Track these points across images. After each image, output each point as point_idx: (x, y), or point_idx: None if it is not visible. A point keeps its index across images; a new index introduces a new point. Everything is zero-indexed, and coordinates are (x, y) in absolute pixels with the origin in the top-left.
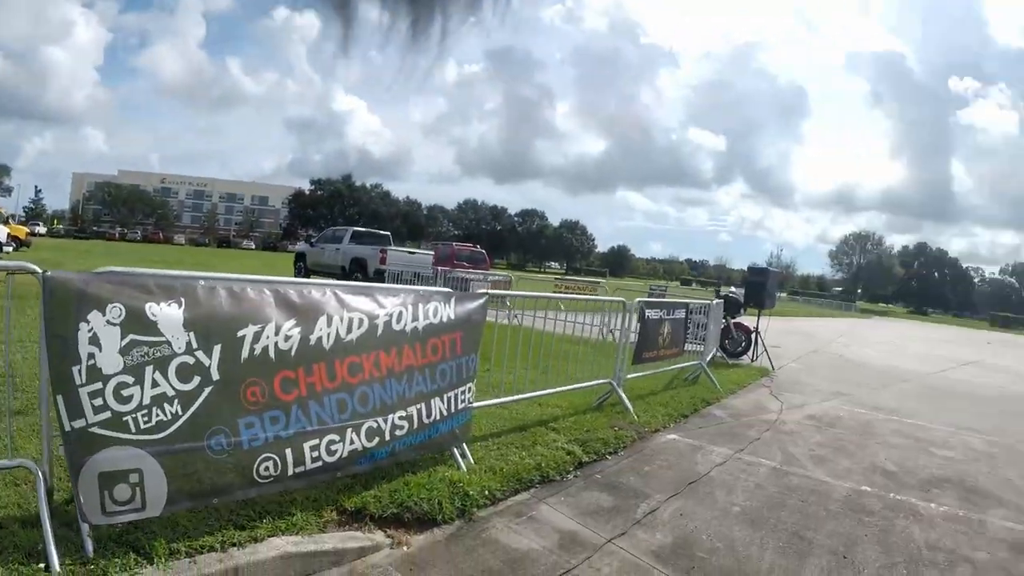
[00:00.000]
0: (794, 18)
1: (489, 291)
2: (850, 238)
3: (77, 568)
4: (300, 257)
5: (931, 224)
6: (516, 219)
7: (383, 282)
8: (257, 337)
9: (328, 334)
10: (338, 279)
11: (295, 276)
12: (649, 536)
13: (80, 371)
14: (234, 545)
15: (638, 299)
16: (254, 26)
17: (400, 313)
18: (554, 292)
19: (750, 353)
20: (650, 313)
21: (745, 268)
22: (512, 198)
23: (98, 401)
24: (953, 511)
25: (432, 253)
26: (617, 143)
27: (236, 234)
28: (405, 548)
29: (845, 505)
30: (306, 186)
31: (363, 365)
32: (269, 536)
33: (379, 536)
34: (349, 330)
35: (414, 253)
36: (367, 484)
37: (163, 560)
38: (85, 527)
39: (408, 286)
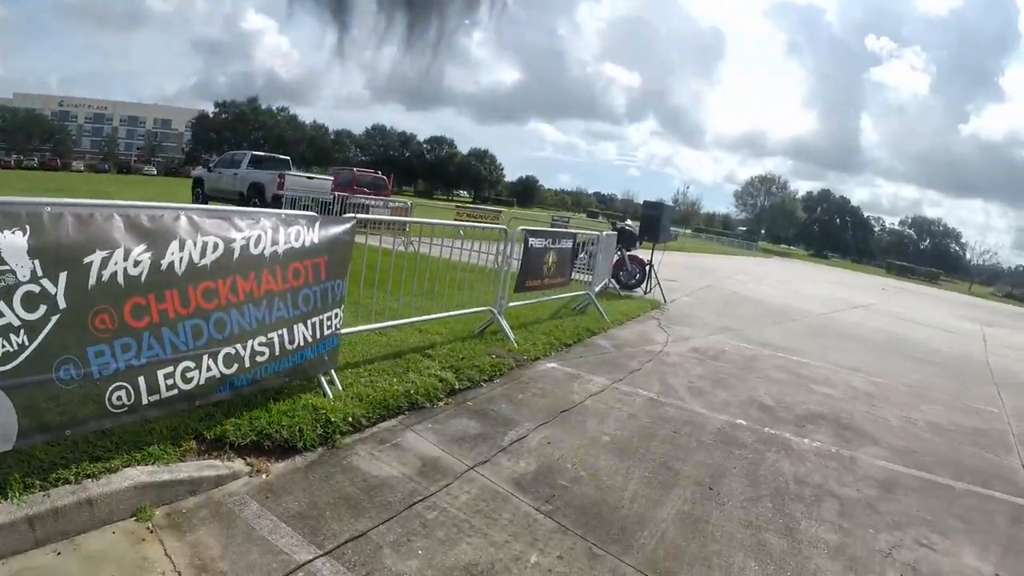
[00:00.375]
0: None
1: (359, 215)
2: (756, 180)
3: None
4: (198, 183)
5: (836, 173)
6: (425, 146)
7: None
8: (105, 263)
9: (180, 259)
10: (236, 205)
11: (193, 202)
12: (512, 464)
13: None
14: (88, 477)
15: (522, 227)
16: None
17: (259, 237)
18: (455, 220)
19: (644, 286)
20: (534, 242)
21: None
22: (423, 126)
23: None
24: (826, 447)
25: (332, 179)
26: (531, 74)
27: (138, 159)
28: (264, 476)
29: (717, 437)
30: (211, 109)
31: (219, 290)
32: (124, 467)
33: (238, 464)
34: (203, 255)
35: (313, 178)
36: (229, 412)
37: (17, 494)
38: None
39: (269, 209)
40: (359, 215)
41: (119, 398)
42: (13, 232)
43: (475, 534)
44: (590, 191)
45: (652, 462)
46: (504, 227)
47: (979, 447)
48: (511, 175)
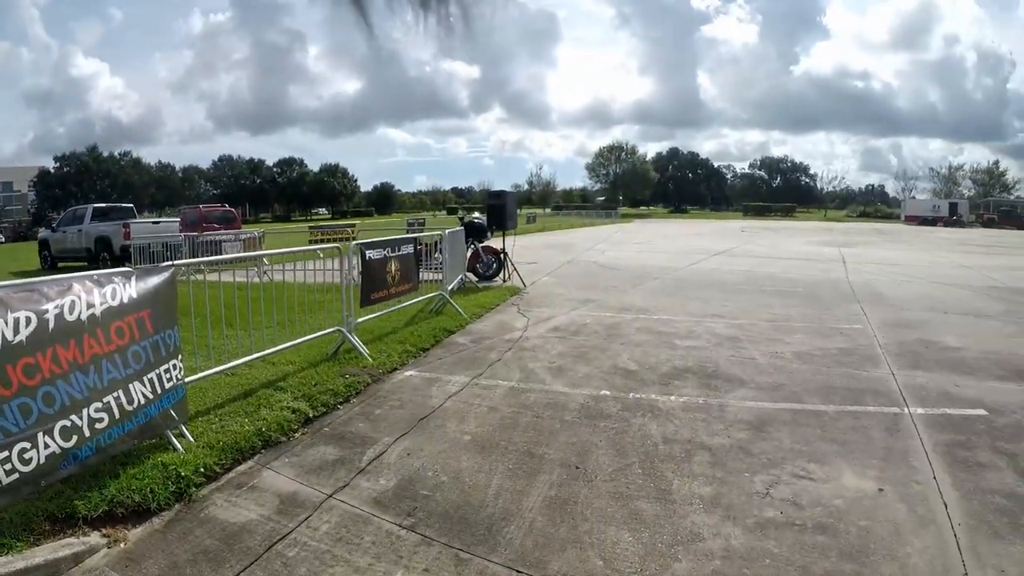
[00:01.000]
0: None
1: (178, 262)
2: (604, 150)
3: None
4: (44, 245)
5: (683, 131)
6: (275, 170)
7: (130, 260)
8: None
9: None
10: (85, 262)
11: (41, 266)
12: (372, 484)
13: None
14: None
15: (355, 242)
16: None
17: (72, 303)
18: (309, 241)
19: (502, 274)
20: (371, 254)
21: (508, 188)
22: (271, 149)
23: None
24: (693, 400)
25: (179, 220)
26: (371, 81)
27: None
28: (122, 544)
29: (581, 414)
30: (51, 164)
31: (40, 364)
32: None
33: (94, 537)
34: (16, 331)
35: (159, 223)
36: (76, 486)
37: None
38: None
39: (78, 273)
40: (176, 261)
41: None
42: None
43: (338, 563)
44: (447, 187)
45: (515, 453)
46: (338, 246)
47: (847, 366)
48: (366, 184)
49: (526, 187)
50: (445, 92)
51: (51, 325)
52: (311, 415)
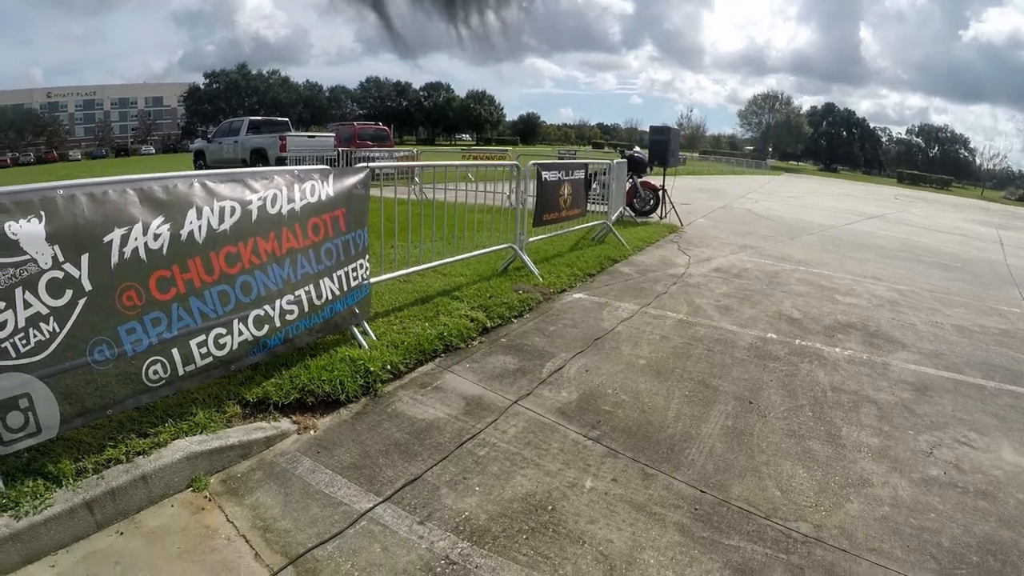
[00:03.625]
0: None
1: (372, 164)
2: (759, 98)
3: None
4: (199, 155)
5: (839, 86)
6: (422, 94)
7: None
8: (125, 240)
9: (199, 227)
10: None
11: None
12: (554, 394)
13: None
14: (139, 454)
15: (533, 162)
16: None
17: (274, 196)
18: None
19: (659, 211)
20: (547, 175)
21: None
22: (417, 73)
23: None
24: (858, 355)
25: (333, 135)
26: (522, 7)
27: (134, 140)
28: (312, 432)
29: (751, 352)
30: (200, 81)
31: (241, 254)
32: (173, 439)
33: (285, 423)
34: (221, 220)
35: (315, 137)
36: (267, 373)
37: (71, 480)
38: None
39: (281, 167)
40: (371, 164)
41: (155, 372)
42: (29, 220)
43: (528, 466)
44: (592, 123)
45: (690, 381)
46: (516, 163)
47: (1006, 347)
48: (512, 114)
49: (675, 127)
50: (597, 25)
51: (253, 217)
52: (488, 325)
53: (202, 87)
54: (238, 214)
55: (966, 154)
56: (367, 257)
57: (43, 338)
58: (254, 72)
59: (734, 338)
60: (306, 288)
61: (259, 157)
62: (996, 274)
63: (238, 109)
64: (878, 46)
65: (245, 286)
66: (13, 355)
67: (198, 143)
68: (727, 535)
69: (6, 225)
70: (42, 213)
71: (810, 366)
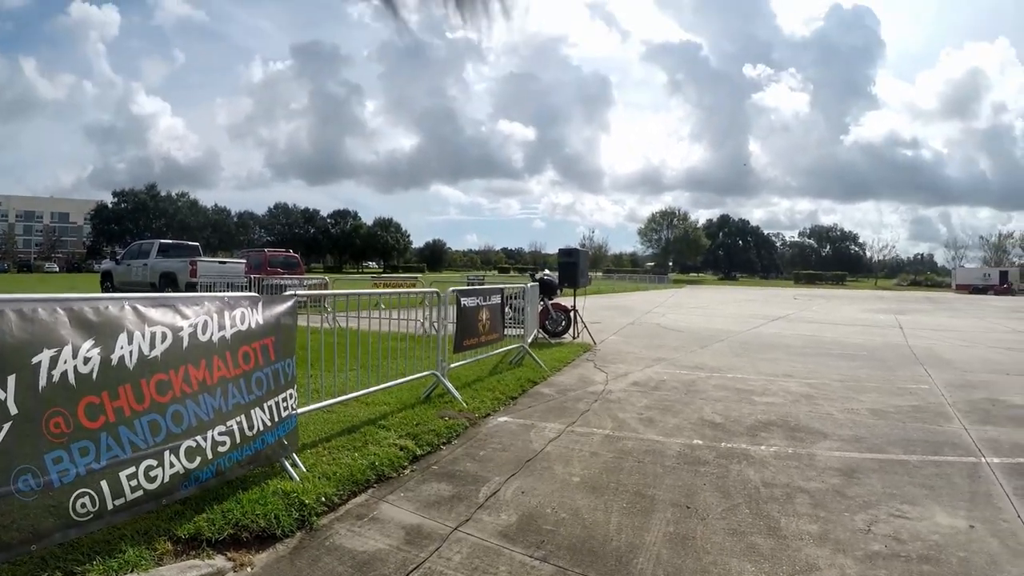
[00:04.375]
0: (591, 12)
1: (299, 292)
2: (657, 215)
3: None
4: (107, 276)
5: (733, 198)
6: (329, 221)
7: None
8: (54, 362)
9: (130, 352)
10: None
11: None
12: (494, 518)
13: None
14: None
15: (451, 288)
16: (50, 23)
17: (205, 323)
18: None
19: (571, 331)
20: (466, 301)
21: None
22: (325, 200)
23: None
24: (783, 450)
25: (244, 261)
26: (428, 138)
27: (38, 256)
28: (249, 569)
29: (680, 460)
30: (109, 199)
31: (172, 382)
32: None
33: (219, 561)
34: (152, 346)
35: (225, 263)
36: (198, 507)
37: None
38: None
39: (211, 293)
40: (298, 292)
41: (83, 505)
42: None
43: None
44: (497, 247)
45: (626, 493)
46: (437, 291)
47: (921, 422)
48: (418, 240)
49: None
50: (500, 152)
51: (185, 343)
52: (418, 453)
53: (110, 205)
54: (169, 340)
55: (856, 249)
56: (295, 387)
57: None
58: (163, 193)
59: (662, 448)
60: (237, 418)
61: (168, 282)
62: (900, 356)
63: (145, 231)
64: (767, 157)
65: (176, 415)
66: None
67: (106, 264)
68: None
69: None
70: None
71: (739, 466)
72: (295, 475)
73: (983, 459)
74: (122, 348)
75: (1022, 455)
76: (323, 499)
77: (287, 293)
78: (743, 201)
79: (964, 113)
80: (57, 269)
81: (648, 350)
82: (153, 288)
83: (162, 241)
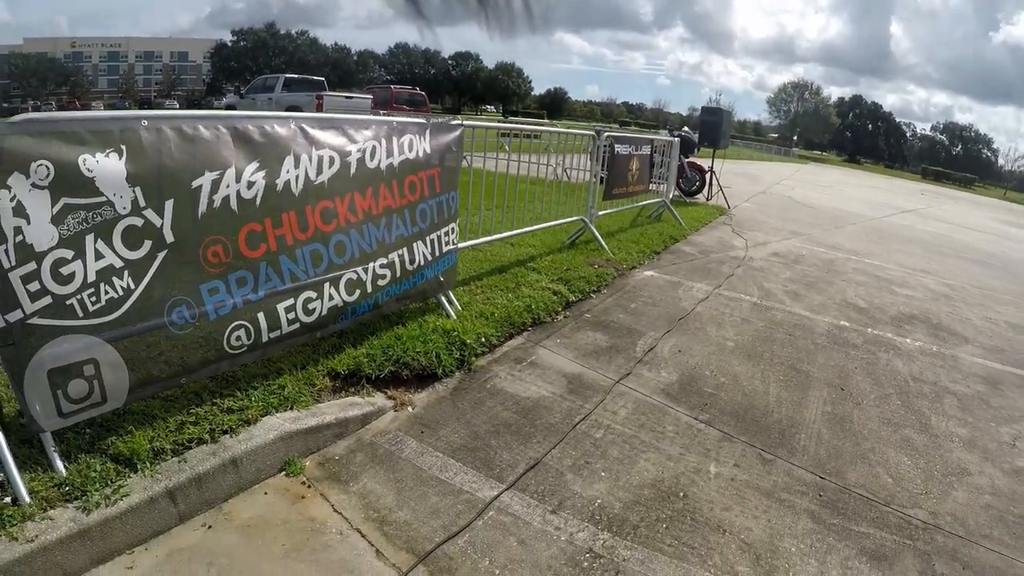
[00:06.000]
0: None
1: (464, 122)
2: (788, 86)
3: (51, 493)
4: (230, 110)
5: (867, 79)
6: (450, 63)
7: None
8: (216, 187)
9: (296, 176)
10: None
11: None
12: (654, 375)
13: (7, 251)
14: (225, 432)
15: (607, 133)
16: None
17: (374, 148)
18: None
19: (704, 192)
20: (619, 148)
21: (683, 112)
22: (446, 42)
23: (34, 285)
24: (927, 346)
25: (370, 97)
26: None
27: (158, 94)
28: (410, 409)
29: (829, 339)
30: (228, 38)
31: (337, 210)
32: (262, 416)
33: (379, 399)
34: (319, 171)
35: (352, 98)
36: (355, 342)
37: (147, 464)
38: (49, 442)
39: (379, 117)
40: (465, 122)
41: (238, 338)
42: (107, 155)
43: (648, 450)
44: (619, 101)
45: (781, 365)
46: (593, 134)
47: None
48: (539, 88)
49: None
50: (628, 3)
51: (352, 169)
52: (571, 299)
53: (229, 44)
54: (337, 165)
55: (988, 154)
56: (457, 221)
57: (115, 295)
58: (282, 32)
59: (810, 324)
60: (400, 251)
61: None
62: None
63: (264, 68)
64: (908, 42)
65: (339, 246)
66: (80, 314)
67: (230, 98)
68: (855, 522)
69: (81, 159)
70: (123, 148)
71: (887, 355)
72: (452, 313)
73: None
74: (288, 172)
75: None
76: (482, 339)
77: (454, 122)
78: (877, 84)
79: None
80: (177, 106)
81: (782, 222)
82: None
83: (288, 75)
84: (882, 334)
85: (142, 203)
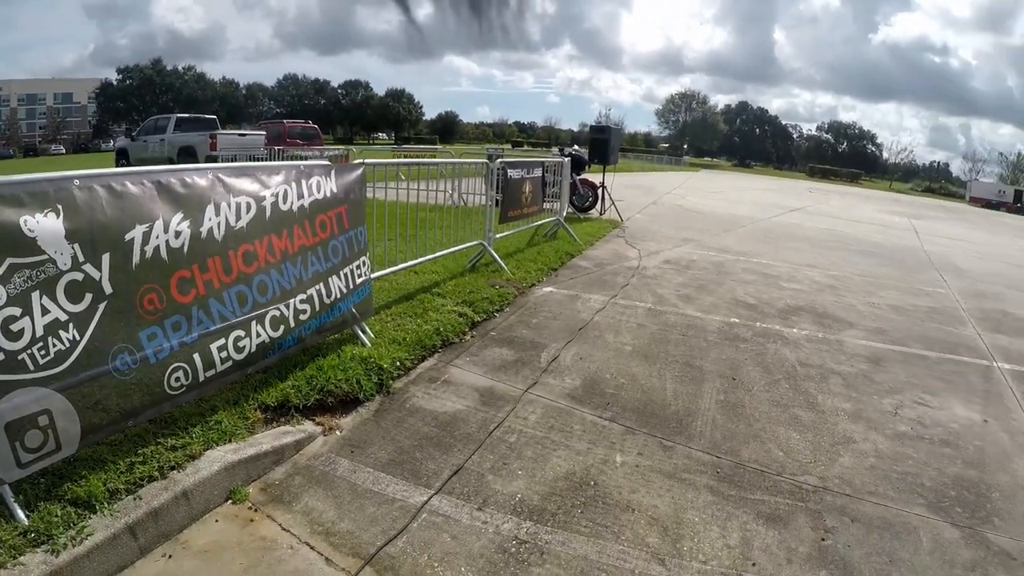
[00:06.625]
0: None
1: (367, 161)
2: (675, 97)
3: (18, 541)
4: (122, 154)
5: (754, 85)
6: (340, 91)
7: None
8: (146, 238)
9: (218, 223)
10: None
11: None
12: (559, 382)
13: None
14: (173, 468)
15: (499, 159)
16: None
17: (285, 192)
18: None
19: (597, 207)
20: (512, 172)
21: (574, 128)
22: (336, 71)
23: None
24: (814, 334)
25: (264, 133)
26: (445, 4)
27: (43, 139)
28: (338, 432)
29: (720, 336)
30: (113, 77)
31: (257, 252)
32: (204, 450)
33: (309, 425)
34: (238, 216)
35: (245, 135)
36: (281, 376)
37: (105, 504)
38: (8, 493)
39: (288, 162)
40: (367, 160)
41: (177, 379)
42: (45, 215)
43: (559, 447)
44: (510, 121)
45: (676, 363)
46: (487, 161)
47: (938, 323)
48: (430, 112)
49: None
50: (518, 23)
51: (268, 214)
52: (476, 319)
53: (115, 83)
54: (253, 210)
55: (873, 149)
56: (368, 255)
57: (63, 347)
58: (169, 68)
59: (702, 323)
60: (317, 286)
61: (187, 156)
62: (917, 260)
63: (152, 107)
64: (791, 48)
65: (261, 286)
66: (31, 367)
67: (121, 141)
68: (750, 491)
69: (23, 220)
70: (59, 207)
71: (775, 345)
72: (367, 341)
73: (995, 363)
74: (210, 220)
75: None
76: (398, 363)
77: (356, 162)
78: (763, 89)
79: (999, 27)
80: (64, 151)
81: (674, 230)
82: (171, 163)
83: (179, 115)
84: (770, 327)
85: (81, 258)
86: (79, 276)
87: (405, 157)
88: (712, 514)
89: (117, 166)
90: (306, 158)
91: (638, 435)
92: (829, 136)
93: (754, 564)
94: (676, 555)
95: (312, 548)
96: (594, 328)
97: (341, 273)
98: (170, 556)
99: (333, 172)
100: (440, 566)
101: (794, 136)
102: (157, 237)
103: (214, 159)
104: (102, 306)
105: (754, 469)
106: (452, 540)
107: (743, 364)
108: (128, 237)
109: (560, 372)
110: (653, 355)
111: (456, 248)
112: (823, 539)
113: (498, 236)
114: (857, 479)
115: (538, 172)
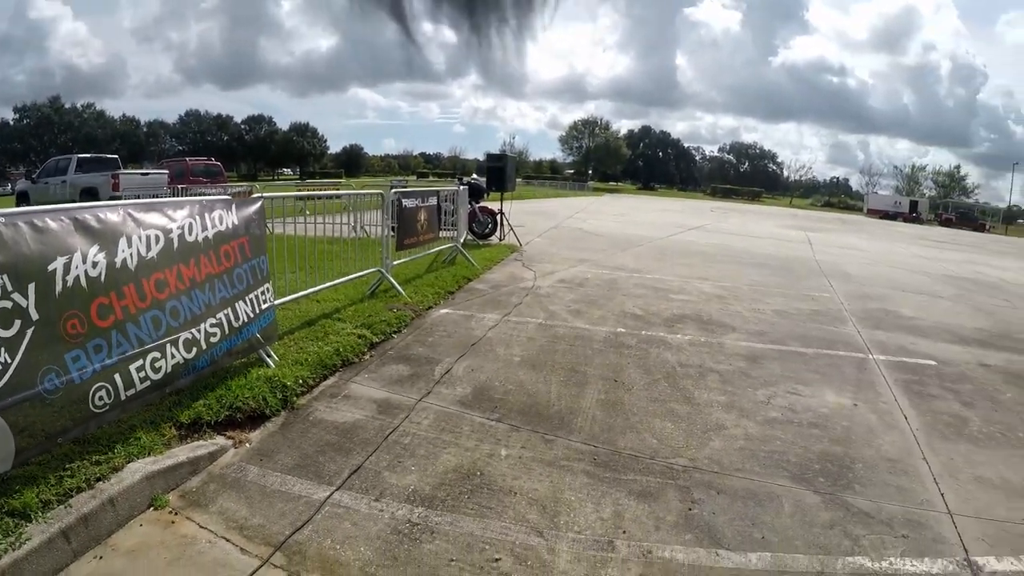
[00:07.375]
0: None
1: (265, 195)
2: (579, 123)
3: None
4: (22, 197)
5: (657, 110)
6: (243, 127)
7: None
8: (67, 269)
9: (131, 254)
10: None
11: None
12: (451, 391)
13: None
14: (99, 479)
15: (394, 190)
16: None
17: (191, 224)
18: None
19: (497, 233)
20: (406, 202)
21: (479, 157)
22: (239, 106)
23: None
24: (696, 338)
25: (166, 172)
26: (347, 38)
27: None
28: (248, 444)
29: (606, 344)
30: (9, 116)
31: (168, 280)
32: (126, 463)
33: (220, 440)
34: (149, 248)
35: (148, 174)
36: (193, 396)
37: (39, 513)
38: None
39: (192, 198)
40: (265, 194)
41: (101, 398)
42: None
43: (449, 446)
44: (416, 152)
45: (562, 369)
46: (381, 192)
47: (819, 323)
48: (335, 146)
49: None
50: (421, 54)
51: (176, 245)
52: (374, 340)
53: (11, 123)
54: (162, 242)
55: (774, 168)
56: (270, 283)
57: None
58: (68, 105)
59: (589, 334)
60: (225, 311)
61: (90, 197)
62: (807, 268)
63: (51, 147)
64: (693, 72)
65: (174, 310)
66: None
67: (22, 184)
68: (624, 473)
69: None
70: None
71: (658, 350)
72: (271, 363)
73: (871, 355)
74: (123, 251)
75: (905, 355)
76: (300, 381)
77: (255, 196)
78: (666, 113)
79: (894, 48)
80: None
81: (572, 252)
82: None
83: (80, 156)
84: (655, 334)
85: (10, 288)
86: (8, 304)
87: (311, 191)
88: (588, 494)
89: None
90: (209, 194)
91: (522, 432)
92: (731, 156)
93: (624, 532)
94: (553, 528)
95: (228, 541)
96: (486, 343)
97: (247, 299)
98: (101, 557)
99: (234, 206)
100: (342, 547)
101: (697, 158)
102: (77, 267)
103: (117, 199)
104: (30, 331)
105: (629, 455)
106: (352, 526)
107: (625, 367)
108: (51, 268)
109: (452, 382)
110: (540, 364)
111: (355, 275)
112: (690, 509)
113: (396, 263)
114: (726, 459)
115: (433, 201)
